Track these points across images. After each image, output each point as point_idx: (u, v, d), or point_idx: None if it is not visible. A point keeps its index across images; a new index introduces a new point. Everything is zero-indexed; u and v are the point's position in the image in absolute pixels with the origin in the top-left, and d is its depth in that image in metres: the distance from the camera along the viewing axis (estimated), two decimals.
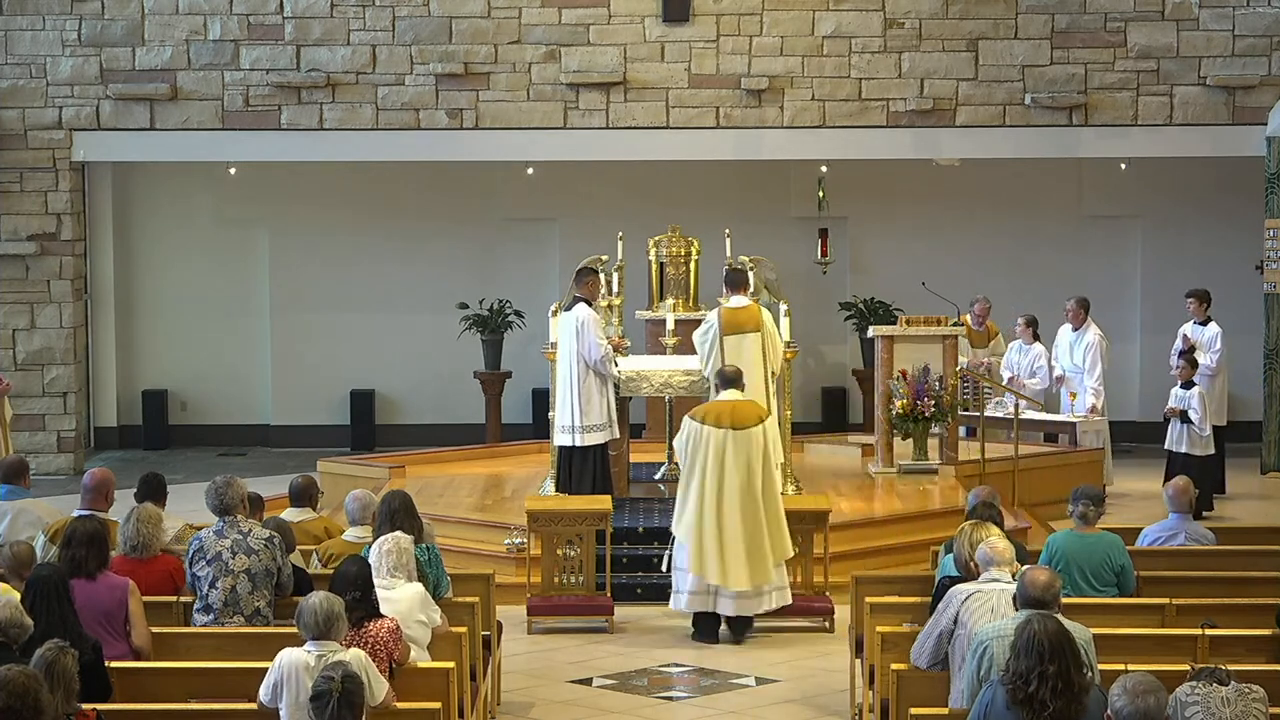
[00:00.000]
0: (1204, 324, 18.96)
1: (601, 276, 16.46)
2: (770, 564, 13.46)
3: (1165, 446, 17.96)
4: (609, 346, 15.85)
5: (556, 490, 15.82)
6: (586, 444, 15.73)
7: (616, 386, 16.01)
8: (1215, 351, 18.72)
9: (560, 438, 15.84)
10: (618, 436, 16.00)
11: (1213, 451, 17.94)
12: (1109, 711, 7.32)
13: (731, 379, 13.91)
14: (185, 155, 20.95)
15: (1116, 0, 20.51)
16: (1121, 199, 22.40)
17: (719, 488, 13.47)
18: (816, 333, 22.07)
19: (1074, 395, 19.19)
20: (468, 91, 20.61)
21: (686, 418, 13.70)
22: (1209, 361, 18.66)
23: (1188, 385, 17.89)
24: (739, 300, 15.93)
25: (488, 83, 20.62)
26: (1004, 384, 18.95)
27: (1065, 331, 19.38)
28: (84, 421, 21.51)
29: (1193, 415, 17.71)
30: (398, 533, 10.59)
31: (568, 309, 15.95)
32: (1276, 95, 20.41)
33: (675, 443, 13.72)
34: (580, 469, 15.79)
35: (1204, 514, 17.24)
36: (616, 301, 17.05)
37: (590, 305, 15.90)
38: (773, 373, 15.86)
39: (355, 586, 9.49)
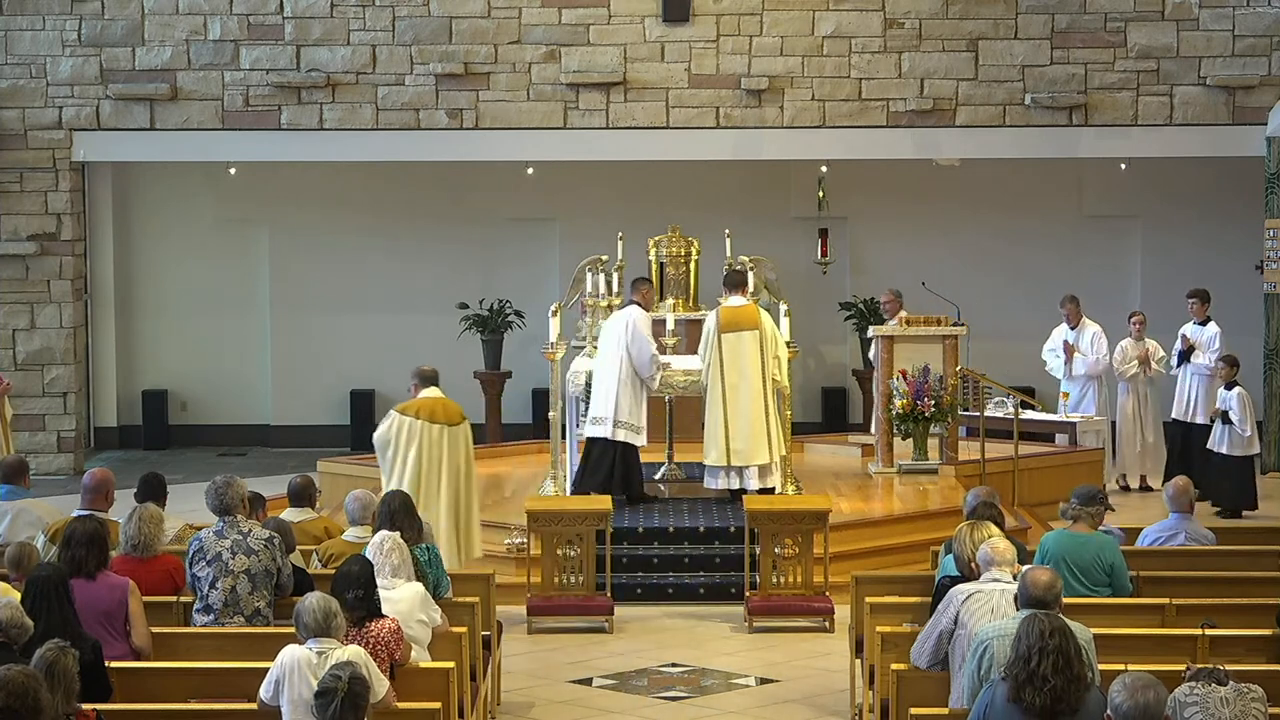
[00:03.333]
0: (1203, 324, 18.97)
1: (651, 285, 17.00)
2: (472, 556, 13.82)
3: (1207, 446, 18.11)
4: (656, 350, 15.99)
5: (573, 483, 15.95)
6: (616, 438, 15.83)
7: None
8: (1214, 351, 18.74)
9: (590, 429, 15.97)
10: (645, 444, 16.11)
11: (1255, 451, 18.15)
12: (1109, 711, 7.32)
13: (431, 378, 14.15)
14: (185, 155, 20.95)
15: (1116, 0, 20.52)
16: (1121, 199, 22.40)
17: (433, 480, 13.70)
18: (816, 333, 22.07)
19: (1065, 395, 19.21)
20: (468, 91, 20.61)
21: (393, 411, 13.86)
22: (1207, 361, 18.68)
23: (1230, 386, 17.95)
24: (737, 300, 15.99)
25: (488, 83, 20.63)
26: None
27: (1063, 331, 19.34)
28: (84, 421, 21.51)
29: (1233, 416, 17.79)
30: (394, 533, 10.59)
31: (621, 308, 16.22)
32: (1276, 95, 20.41)
33: (376, 437, 13.86)
34: (599, 460, 15.85)
35: (1244, 514, 17.65)
36: (616, 302, 17.06)
37: (644, 309, 16.15)
38: (774, 376, 15.89)
39: (358, 585, 9.49)
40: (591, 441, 15.99)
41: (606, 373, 15.99)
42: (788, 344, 16.17)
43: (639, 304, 16.18)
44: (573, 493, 15.86)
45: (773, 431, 15.79)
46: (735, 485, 15.76)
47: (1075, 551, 11.24)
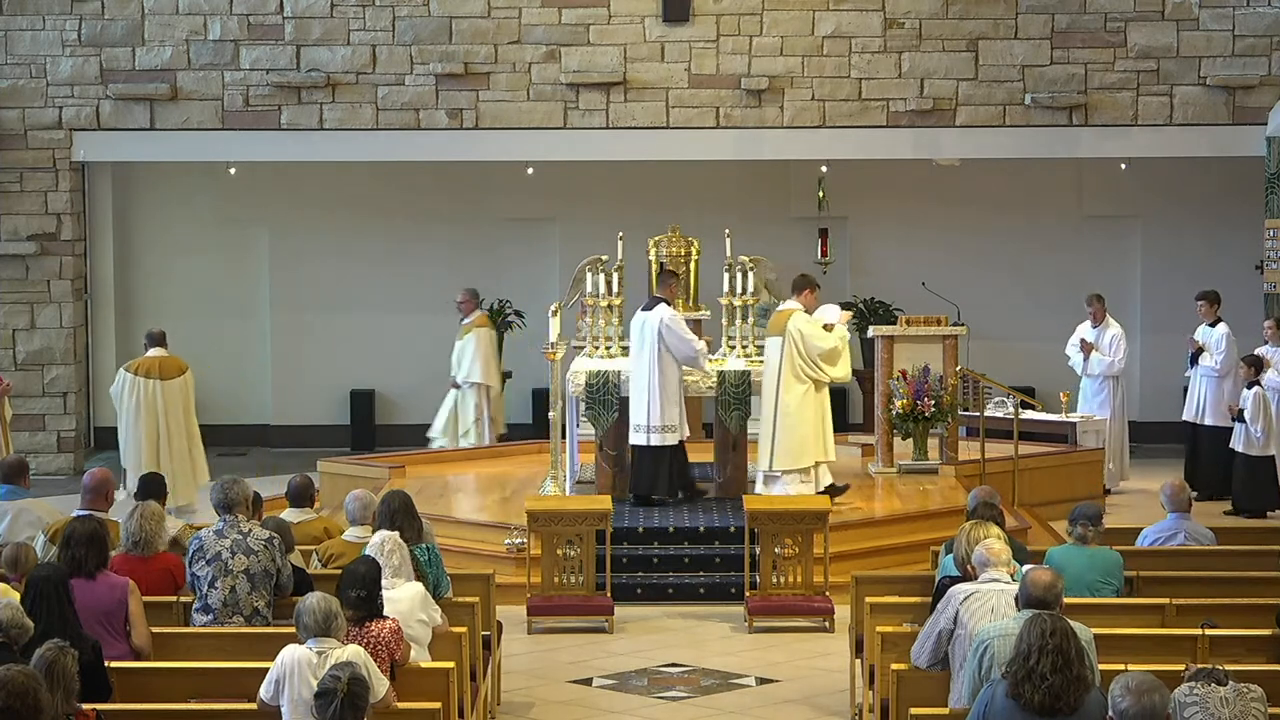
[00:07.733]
0: (1213, 325, 18.94)
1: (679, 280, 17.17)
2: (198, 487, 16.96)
3: (1230, 445, 18.16)
4: (696, 341, 16.00)
5: (631, 491, 16.01)
6: (665, 444, 15.86)
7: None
8: (1221, 353, 18.71)
9: (635, 436, 15.97)
10: (689, 435, 16.20)
11: (1271, 453, 18.10)
12: (1110, 713, 7.31)
13: (157, 339, 17.52)
14: (185, 155, 20.96)
15: (1116, 0, 20.52)
16: (1121, 199, 22.40)
17: (153, 427, 17.15)
18: None
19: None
20: (468, 91, 20.61)
21: (120, 370, 17.52)
22: (1214, 363, 18.66)
23: (1251, 385, 17.96)
24: (788, 304, 16.18)
25: (488, 83, 20.63)
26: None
27: (1085, 329, 19.31)
28: (84, 421, 21.51)
29: (1246, 414, 17.82)
30: (394, 533, 10.59)
31: (646, 309, 16.07)
32: (1276, 95, 20.41)
33: (111, 390, 17.46)
34: (655, 467, 15.90)
35: (1269, 514, 17.70)
36: (616, 302, 17.06)
37: (670, 306, 16.13)
38: (797, 376, 15.87)
39: (362, 585, 9.48)
40: (641, 449, 15.96)
41: (640, 378, 15.97)
42: None
43: (665, 300, 16.17)
44: (631, 490, 16.00)
45: (809, 436, 15.78)
46: (776, 491, 15.74)
47: (1085, 565, 11.11)
